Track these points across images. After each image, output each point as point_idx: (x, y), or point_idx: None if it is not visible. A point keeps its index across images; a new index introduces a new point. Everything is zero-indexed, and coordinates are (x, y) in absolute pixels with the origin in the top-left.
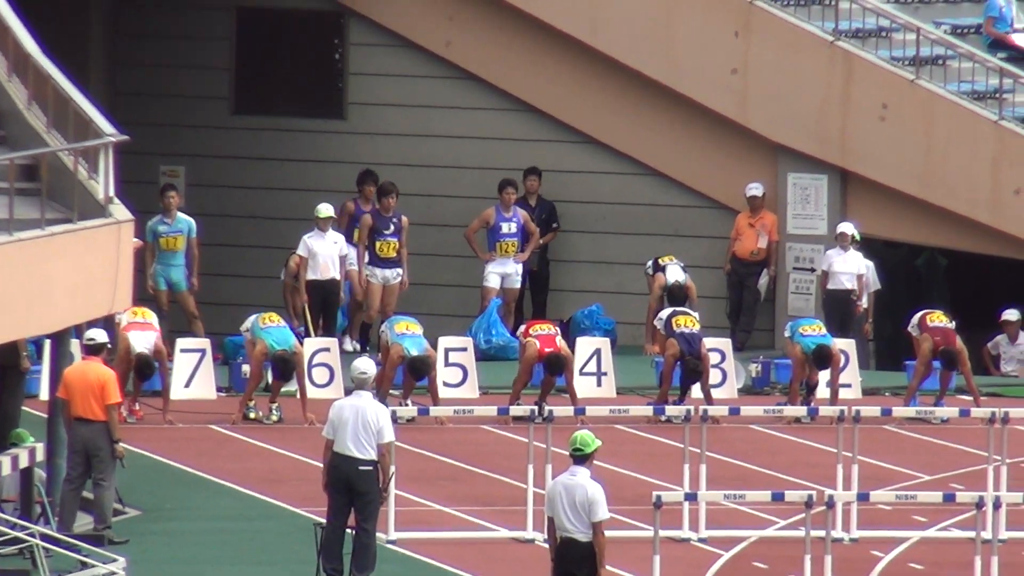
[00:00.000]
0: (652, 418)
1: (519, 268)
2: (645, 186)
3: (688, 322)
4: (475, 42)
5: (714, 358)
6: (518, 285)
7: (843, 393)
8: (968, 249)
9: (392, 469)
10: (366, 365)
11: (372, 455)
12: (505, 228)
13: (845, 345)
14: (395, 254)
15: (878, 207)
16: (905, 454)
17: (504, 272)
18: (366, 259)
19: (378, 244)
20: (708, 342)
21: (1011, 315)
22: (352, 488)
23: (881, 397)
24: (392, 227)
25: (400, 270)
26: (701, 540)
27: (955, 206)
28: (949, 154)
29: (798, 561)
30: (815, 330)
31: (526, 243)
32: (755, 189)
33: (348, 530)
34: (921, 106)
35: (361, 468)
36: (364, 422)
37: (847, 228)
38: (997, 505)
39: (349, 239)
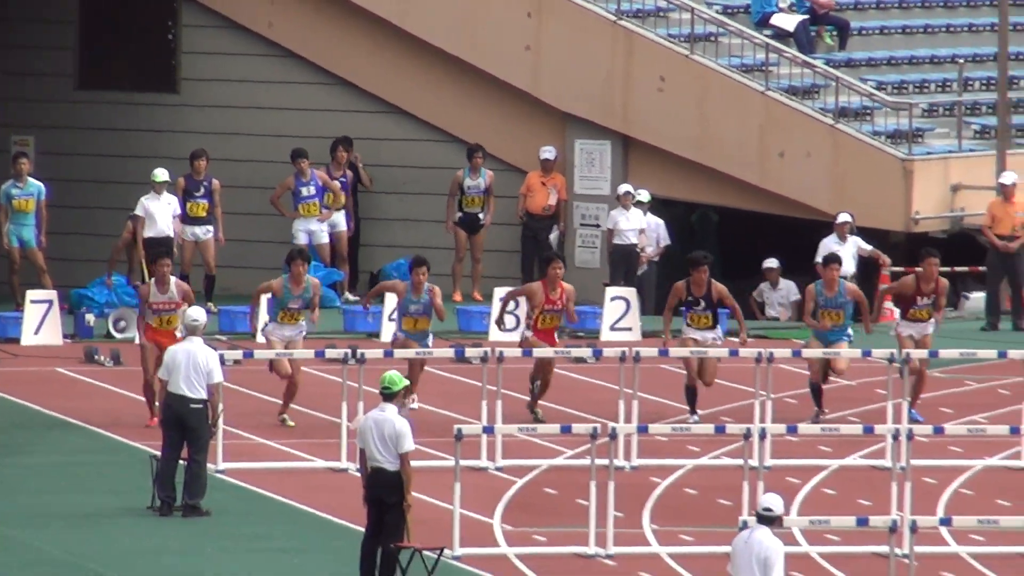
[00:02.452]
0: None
1: (323, 226)
2: (448, 151)
3: None
4: (295, 23)
5: (618, 308)
6: (325, 240)
7: (624, 336)
8: (737, 206)
9: (220, 407)
10: (197, 313)
11: (203, 394)
12: (304, 192)
13: (628, 293)
14: (205, 214)
15: (657, 169)
16: (680, 391)
17: (309, 229)
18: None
19: (188, 204)
20: (504, 291)
21: (771, 263)
22: (184, 424)
23: (659, 339)
24: (202, 190)
25: (210, 227)
26: (498, 469)
27: (726, 168)
28: (720, 121)
29: (584, 487)
30: None
31: (335, 199)
32: (548, 152)
33: (181, 462)
34: (695, 79)
35: (192, 406)
36: (195, 365)
37: (628, 189)
38: (763, 436)
39: (323, 202)
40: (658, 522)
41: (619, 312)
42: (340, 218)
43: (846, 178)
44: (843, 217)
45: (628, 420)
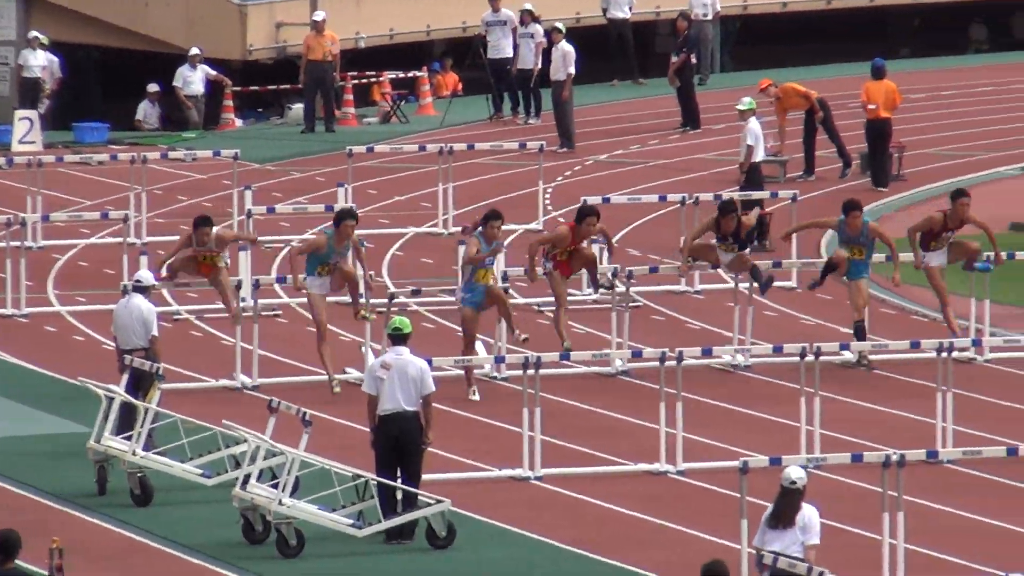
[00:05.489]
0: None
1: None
2: None
3: None
4: None
5: (24, 126)
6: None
7: (29, 147)
8: (116, 45)
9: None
10: None
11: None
12: None
13: (32, 115)
14: None
15: (52, 18)
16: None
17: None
18: None
19: None
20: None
21: (153, 87)
22: None
23: (57, 150)
24: None
25: None
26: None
27: (105, 15)
28: None
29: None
30: None
31: None
32: None
33: None
34: None
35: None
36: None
37: (36, 34)
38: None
39: None
40: (60, 288)
41: (25, 129)
42: None
43: (197, 21)
44: (194, 51)
45: (35, 211)
